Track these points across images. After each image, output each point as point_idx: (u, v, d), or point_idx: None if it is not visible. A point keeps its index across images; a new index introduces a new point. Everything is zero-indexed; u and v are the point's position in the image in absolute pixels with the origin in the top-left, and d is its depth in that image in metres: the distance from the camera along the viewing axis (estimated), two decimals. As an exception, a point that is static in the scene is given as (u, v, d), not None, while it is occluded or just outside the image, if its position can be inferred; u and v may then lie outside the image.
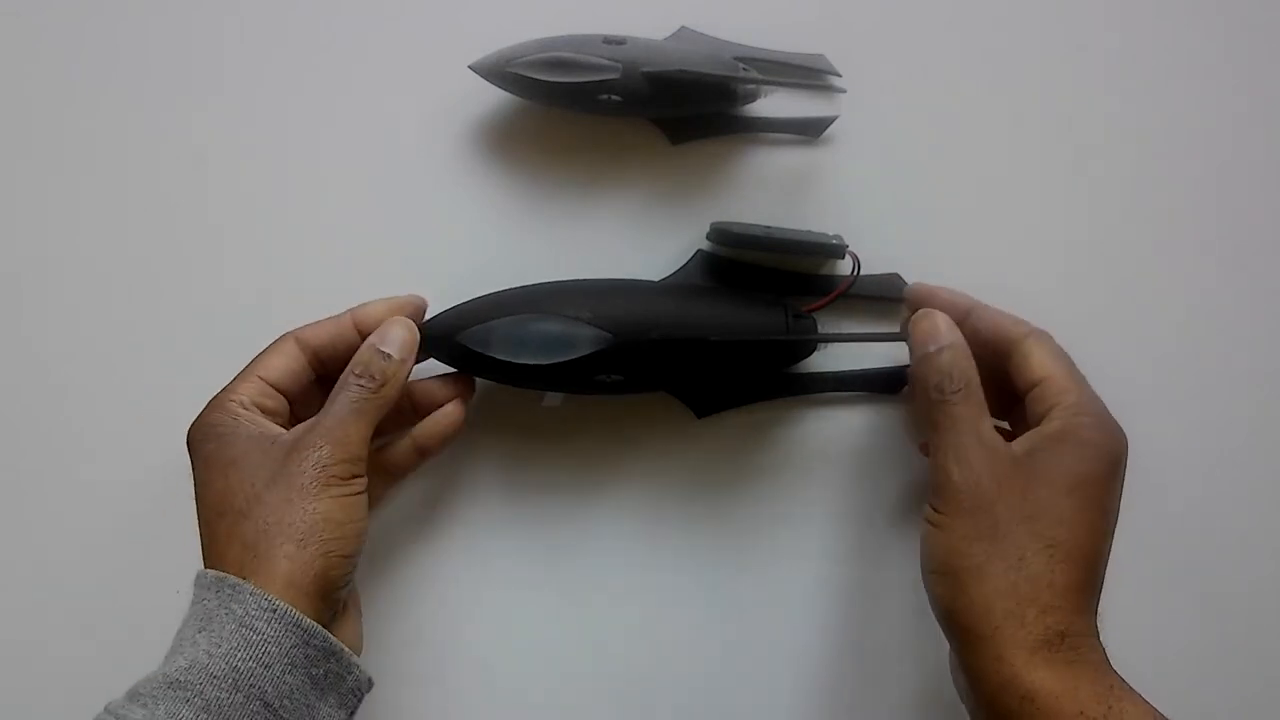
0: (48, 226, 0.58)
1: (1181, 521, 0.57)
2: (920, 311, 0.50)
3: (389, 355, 0.49)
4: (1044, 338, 0.50)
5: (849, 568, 0.57)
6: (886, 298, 0.57)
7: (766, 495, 0.57)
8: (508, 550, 0.57)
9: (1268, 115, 0.58)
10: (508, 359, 0.51)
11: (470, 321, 0.51)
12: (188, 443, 0.49)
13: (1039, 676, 0.43)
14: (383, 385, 0.49)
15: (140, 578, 0.57)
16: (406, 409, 0.53)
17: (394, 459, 0.53)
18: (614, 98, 0.54)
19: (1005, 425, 0.53)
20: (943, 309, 0.51)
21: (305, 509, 0.46)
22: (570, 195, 0.58)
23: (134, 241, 0.58)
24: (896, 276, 0.57)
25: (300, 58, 0.59)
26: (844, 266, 0.56)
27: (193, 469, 0.49)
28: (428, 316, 0.53)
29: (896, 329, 0.57)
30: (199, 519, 0.48)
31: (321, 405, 0.50)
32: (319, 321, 0.52)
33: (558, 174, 0.58)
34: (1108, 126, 0.58)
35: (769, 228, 0.55)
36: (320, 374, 0.52)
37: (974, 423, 0.47)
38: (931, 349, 0.48)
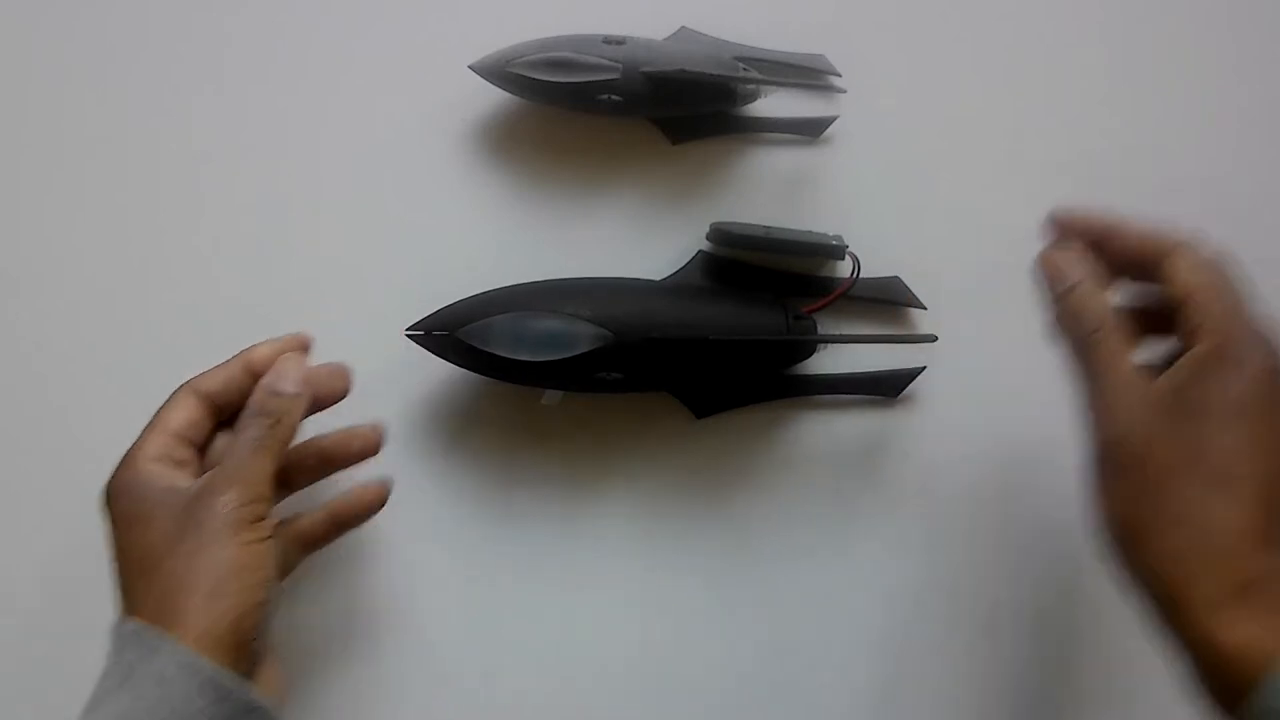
0: (45, 228, 0.58)
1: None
2: (1042, 253, 0.47)
3: (283, 392, 0.49)
4: (1189, 249, 0.45)
5: (847, 568, 0.57)
6: (886, 300, 0.57)
7: (765, 496, 0.57)
8: (505, 550, 0.57)
9: (1270, 116, 0.58)
10: (507, 355, 0.51)
11: (470, 318, 0.51)
12: (104, 501, 0.48)
13: (1230, 634, 0.39)
14: (279, 420, 0.48)
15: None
16: (314, 462, 0.52)
17: (309, 530, 0.52)
18: (614, 98, 0.54)
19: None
20: (1081, 233, 0.47)
21: (215, 558, 0.45)
22: (570, 195, 0.58)
23: (131, 242, 0.58)
24: (897, 279, 0.57)
25: (299, 57, 0.59)
26: (843, 267, 0.56)
27: (107, 528, 0.48)
28: (428, 314, 0.53)
29: (896, 331, 0.57)
30: (114, 575, 0.47)
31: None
32: (211, 369, 0.51)
33: (558, 174, 0.58)
34: (1108, 126, 0.58)
35: (769, 228, 0.55)
36: (219, 420, 0.51)
37: (1115, 364, 0.43)
38: (1059, 290, 0.46)
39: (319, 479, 0.52)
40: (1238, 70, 0.58)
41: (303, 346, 0.52)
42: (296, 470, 0.51)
